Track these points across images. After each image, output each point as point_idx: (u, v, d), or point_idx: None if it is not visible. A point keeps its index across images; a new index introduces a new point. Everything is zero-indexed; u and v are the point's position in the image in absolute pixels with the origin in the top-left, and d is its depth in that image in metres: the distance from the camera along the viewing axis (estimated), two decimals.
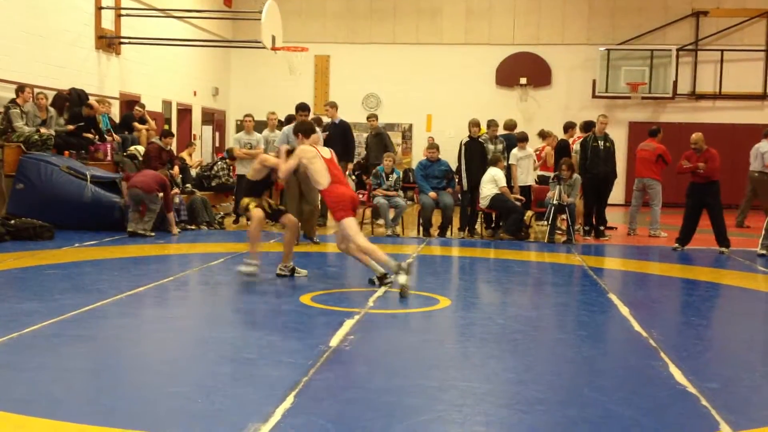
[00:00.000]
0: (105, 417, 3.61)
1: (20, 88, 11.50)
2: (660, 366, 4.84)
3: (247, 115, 12.73)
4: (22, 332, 5.20)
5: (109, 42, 14.69)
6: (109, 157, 12.74)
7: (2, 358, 4.68)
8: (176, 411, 3.80)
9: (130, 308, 6.33)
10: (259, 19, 14.57)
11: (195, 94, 19.15)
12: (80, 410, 3.72)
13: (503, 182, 11.65)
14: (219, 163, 14.67)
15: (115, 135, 13.30)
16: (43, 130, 11.58)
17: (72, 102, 12.79)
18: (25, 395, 3.98)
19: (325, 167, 7.42)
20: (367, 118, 14.05)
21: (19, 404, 3.76)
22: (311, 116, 12.50)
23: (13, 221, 10.06)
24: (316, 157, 7.44)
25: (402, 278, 6.80)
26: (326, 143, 13.15)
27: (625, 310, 6.58)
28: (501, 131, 13.24)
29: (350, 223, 7.29)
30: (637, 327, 5.95)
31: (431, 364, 4.83)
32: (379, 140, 13.58)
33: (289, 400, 3.89)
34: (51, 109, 12.05)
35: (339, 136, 12.67)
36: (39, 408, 3.73)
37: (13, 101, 11.46)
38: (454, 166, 12.75)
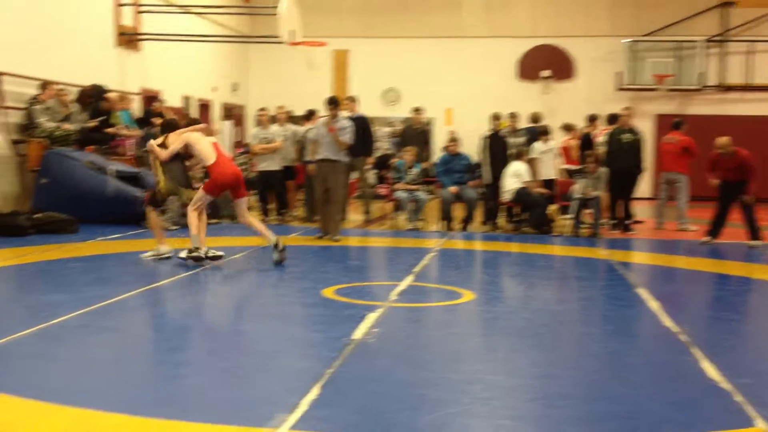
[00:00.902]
0: (131, 406, 3.62)
1: (44, 85, 11.57)
2: (691, 361, 4.75)
3: (261, 110, 12.62)
4: (50, 323, 5.23)
5: (129, 38, 14.73)
6: (130, 152, 12.78)
7: (31, 348, 4.73)
8: (202, 401, 3.80)
9: (153, 300, 6.35)
10: (278, 14, 14.54)
11: (214, 89, 19.18)
12: (107, 399, 3.73)
13: (526, 177, 11.55)
14: (239, 158, 14.67)
15: (136, 130, 13.33)
16: (65, 125, 11.64)
17: (94, 97, 12.85)
18: (54, 384, 4.02)
19: (211, 147, 8.11)
20: (414, 110, 13.69)
21: (48, 393, 3.79)
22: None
23: (38, 215, 10.15)
24: (200, 138, 8.17)
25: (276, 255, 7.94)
26: None
27: (653, 305, 6.48)
28: (525, 123, 13.11)
29: (201, 195, 8.12)
30: (666, 322, 5.85)
31: (456, 358, 4.78)
32: (423, 137, 13.38)
33: (315, 392, 3.86)
34: (73, 104, 12.10)
35: (358, 131, 12.62)
36: (67, 396, 3.75)
37: (35, 97, 11.53)
38: (474, 160, 12.66)
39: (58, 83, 12.01)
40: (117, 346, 4.92)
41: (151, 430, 3.34)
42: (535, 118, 13.64)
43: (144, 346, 4.98)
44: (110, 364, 4.49)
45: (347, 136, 10.21)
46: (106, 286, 6.71)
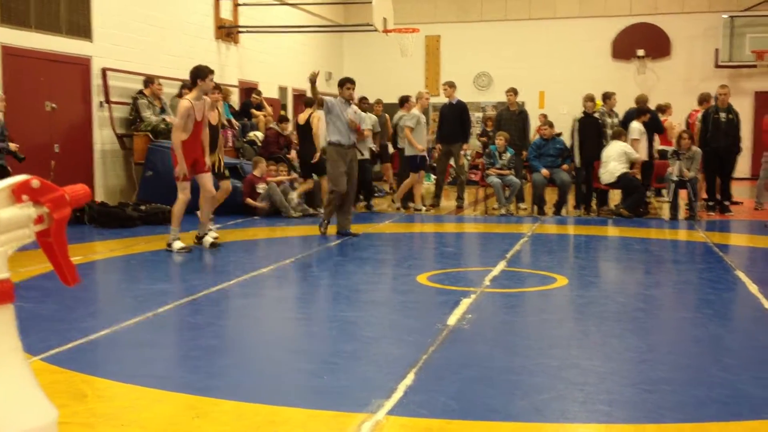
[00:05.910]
0: (236, 392, 3.77)
1: (149, 80, 12.02)
2: None
3: (362, 98, 12.75)
4: (157, 312, 5.48)
5: (228, 31, 15.16)
6: (230, 144, 13.16)
7: (140, 336, 4.96)
8: (302, 387, 3.94)
9: (254, 288, 6.56)
10: (371, 2, 14.69)
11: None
12: (211, 385, 3.90)
13: (635, 155, 11.32)
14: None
15: (235, 122, 13.72)
16: (168, 118, 12.07)
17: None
18: (161, 371, 4.22)
19: (190, 129, 8.05)
20: (508, 91, 13.21)
21: (156, 380, 3.98)
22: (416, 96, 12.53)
23: (143, 207, 10.61)
24: (189, 117, 8.05)
25: (177, 245, 8.12)
26: (441, 123, 13.16)
27: (753, 288, 6.32)
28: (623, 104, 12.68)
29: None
30: (767, 305, 5.72)
31: (551, 343, 4.80)
32: (521, 119, 13.14)
33: (411, 377, 3.96)
34: (175, 98, 12.52)
35: (456, 117, 12.65)
36: (174, 383, 3.94)
37: (140, 92, 12.01)
38: (567, 143, 12.49)
39: (159, 77, 12.48)
40: (221, 334, 5.11)
41: (256, 416, 3.47)
42: (641, 100, 13.05)
43: (246, 334, 5.15)
44: (215, 351, 4.66)
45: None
46: (209, 275, 6.99)
